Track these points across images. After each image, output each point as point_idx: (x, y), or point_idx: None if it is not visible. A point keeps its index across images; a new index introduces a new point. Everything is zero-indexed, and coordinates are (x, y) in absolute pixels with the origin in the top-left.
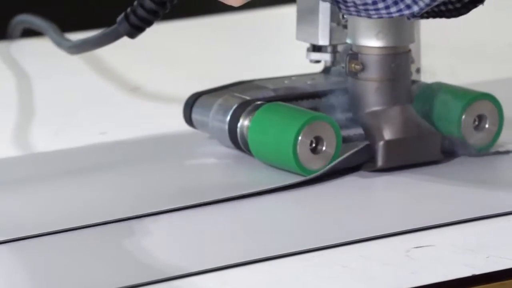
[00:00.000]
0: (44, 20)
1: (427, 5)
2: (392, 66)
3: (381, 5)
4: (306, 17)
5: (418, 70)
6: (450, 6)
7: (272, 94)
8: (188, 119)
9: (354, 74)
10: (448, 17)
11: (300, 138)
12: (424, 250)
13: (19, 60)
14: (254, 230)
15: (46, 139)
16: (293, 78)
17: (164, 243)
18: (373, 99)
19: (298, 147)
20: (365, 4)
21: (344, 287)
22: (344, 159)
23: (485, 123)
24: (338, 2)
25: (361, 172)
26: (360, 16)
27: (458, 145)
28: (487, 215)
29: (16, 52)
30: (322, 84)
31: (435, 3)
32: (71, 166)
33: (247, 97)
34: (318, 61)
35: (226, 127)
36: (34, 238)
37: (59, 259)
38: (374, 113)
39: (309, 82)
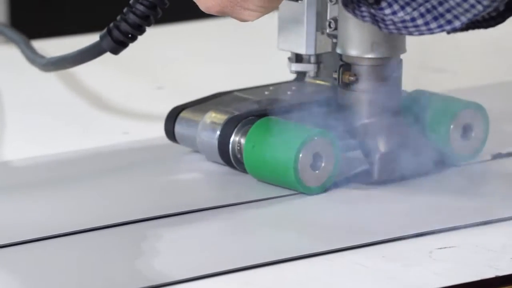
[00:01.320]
0: (16, 32)
1: (469, 19)
2: (385, 77)
3: (420, 21)
4: (289, 25)
5: None
6: (486, 16)
7: (256, 106)
8: (171, 134)
9: (347, 85)
10: (485, 27)
11: (301, 155)
12: (447, 251)
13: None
14: (276, 231)
15: (70, 139)
16: (271, 88)
17: (184, 245)
18: (366, 110)
19: (299, 164)
20: (404, 21)
21: None
22: (345, 178)
23: (471, 132)
24: (377, 22)
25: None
26: (402, 33)
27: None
28: (510, 216)
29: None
30: (303, 95)
31: (477, 17)
32: (89, 167)
33: (234, 110)
34: (301, 72)
35: (216, 142)
36: (37, 241)
37: (74, 260)
38: (368, 125)
39: (289, 93)
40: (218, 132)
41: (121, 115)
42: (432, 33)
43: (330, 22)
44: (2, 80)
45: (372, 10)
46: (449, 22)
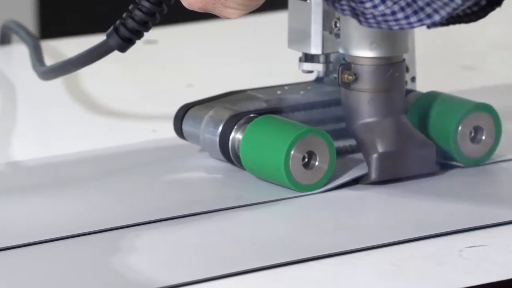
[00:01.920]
0: (28, 34)
1: (449, 13)
2: (385, 77)
3: (400, 15)
4: (298, 25)
5: (413, 79)
6: (468, 11)
7: (264, 105)
8: (179, 131)
9: (347, 85)
10: (467, 22)
11: (292, 152)
12: (477, 250)
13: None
14: (304, 229)
15: (97, 137)
16: (285, 88)
17: (215, 242)
18: (366, 110)
19: (290, 161)
20: (384, 15)
21: (396, 287)
22: (342, 180)
23: (482, 135)
24: (357, 15)
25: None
26: (381, 28)
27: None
28: None
29: (58, 50)
30: (315, 95)
31: (457, 11)
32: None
33: (239, 108)
34: (310, 71)
35: (217, 139)
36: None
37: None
38: (368, 125)
39: (301, 92)
40: (220, 129)
41: (149, 113)
42: (412, 27)
43: (336, 22)
44: (18, 78)
45: (353, 4)
46: (429, 16)
